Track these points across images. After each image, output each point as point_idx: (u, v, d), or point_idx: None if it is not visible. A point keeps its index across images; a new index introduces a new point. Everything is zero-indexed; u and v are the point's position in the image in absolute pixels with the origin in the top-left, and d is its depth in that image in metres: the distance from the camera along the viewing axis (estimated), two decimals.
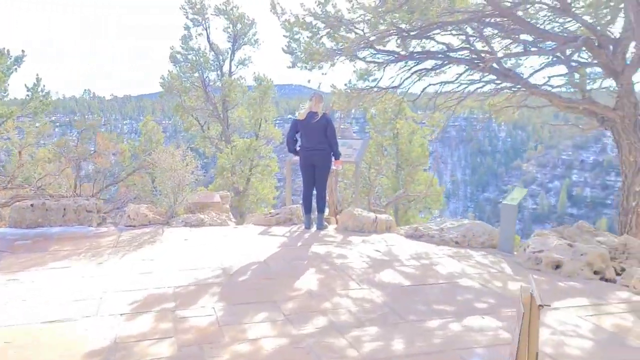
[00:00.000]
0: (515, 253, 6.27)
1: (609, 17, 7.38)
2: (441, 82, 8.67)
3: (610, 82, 8.69)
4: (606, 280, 5.26)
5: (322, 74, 9.54)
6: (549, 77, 9.11)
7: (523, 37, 9.25)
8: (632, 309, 4.36)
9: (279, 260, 5.97)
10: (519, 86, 9.19)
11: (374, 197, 14.33)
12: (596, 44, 7.19)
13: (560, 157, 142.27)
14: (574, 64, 8.61)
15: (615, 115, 7.76)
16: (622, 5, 7.05)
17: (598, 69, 8.87)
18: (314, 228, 7.61)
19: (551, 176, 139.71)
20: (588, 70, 9.11)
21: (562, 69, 9.41)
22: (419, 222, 17.28)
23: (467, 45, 9.15)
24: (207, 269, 5.59)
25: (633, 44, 7.24)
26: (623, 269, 5.58)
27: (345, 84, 10.30)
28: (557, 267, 5.38)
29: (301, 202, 7.74)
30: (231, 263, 5.78)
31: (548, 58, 9.09)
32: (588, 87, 8.84)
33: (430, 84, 8.78)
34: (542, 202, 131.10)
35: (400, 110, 15.99)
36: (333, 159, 7.59)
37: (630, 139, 7.14)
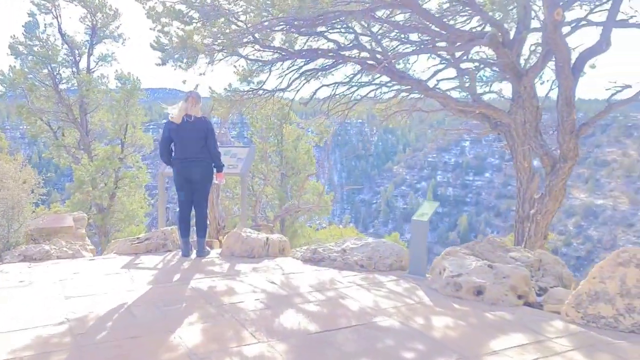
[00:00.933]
0: (428, 276, 5.57)
1: (515, 16, 7.08)
2: (335, 83, 7.83)
3: (500, 86, 8.52)
4: (530, 304, 4.72)
5: (200, 74, 8.27)
6: (438, 81, 8.75)
7: (413, 37, 8.78)
8: (575, 344, 3.78)
9: (148, 305, 4.63)
10: (408, 87, 8.69)
11: (260, 210, 13.23)
12: (501, 42, 6.82)
13: (426, 159, 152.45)
14: (465, 66, 8.30)
15: (510, 120, 7.52)
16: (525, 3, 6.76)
17: (488, 73, 8.69)
18: (193, 255, 6.34)
19: (419, 177, 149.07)
20: (480, 74, 8.91)
21: (452, 72, 9.14)
22: (307, 234, 16.52)
23: (358, 43, 8.46)
24: (48, 325, 4.08)
25: (530, 44, 7.02)
26: (541, 288, 5.13)
27: (226, 88, 9.13)
28: (479, 292, 4.73)
29: (177, 223, 6.39)
30: (82, 314, 4.33)
31: (434, 58, 8.70)
32: (480, 91, 8.61)
33: (323, 85, 7.89)
34: (411, 201, 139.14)
35: (285, 115, 15.09)
36: (215, 171, 6.37)
37: (531, 144, 6.88)
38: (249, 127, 17.94)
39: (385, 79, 9.31)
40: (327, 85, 8.35)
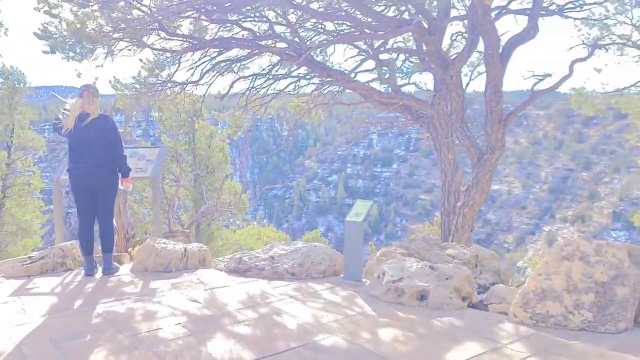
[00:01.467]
0: (365, 281, 5.21)
1: (434, 3, 6.88)
2: (253, 75, 7.24)
3: (420, 78, 8.35)
4: (474, 305, 4.50)
5: (97, 66, 7.32)
6: (355, 73, 8.45)
7: (329, 26, 8.41)
8: (530, 349, 3.56)
9: (43, 341, 3.84)
10: (329, 79, 8.31)
11: (174, 214, 12.28)
12: (427, 29, 6.59)
13: (336, 152, 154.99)
14: (385, 57, 8.06)
15: (433, 112, 7.37)
16: None
17: (408, 64, 8.51)
18: (99, 273, 5.52)
19: (330, 170, 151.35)
20: (400, 65, 8.72)
21: (370, 64, 8.88)
22: (225, 236, 15.70)
23: (274, 33, 7.93)
24: None
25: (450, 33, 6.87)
26: (480, 286, 4.96)
27: (134, 77, 8.20)
28: (423, 297, 4.43)
29: (78, 238, 5.53)
30: None
31: (352, 49, 8.39)
32: (399, 83, 8.41)
33: (240, 77, 7.27)
34: (323, 194, 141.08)
35: (197, 110, 14.14)
36: (120, 176, 5.58)
37: (457, 135, 6.74)
38: (157, 125, 16.68)
39: (303, 71, 8.88)
40: (245, 78, 7.73)
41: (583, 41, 7.13)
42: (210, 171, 15.34)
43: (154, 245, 5.66)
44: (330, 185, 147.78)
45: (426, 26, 6.61)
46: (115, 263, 5.65)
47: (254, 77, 7.68)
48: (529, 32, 5.98)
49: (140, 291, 4.99)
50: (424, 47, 6.73)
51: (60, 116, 5.34)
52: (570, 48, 6.98)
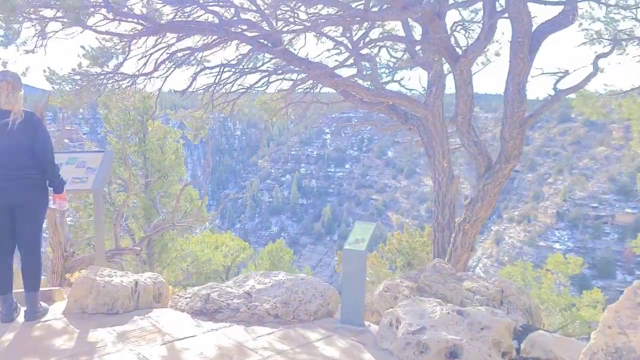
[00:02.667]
0: (368, 324, 4.17)
1: None
2: (220, 66, 6.06)
3: (404, 74, 7.45)
4: None
5: (27, 51, 5.94)
6: (332, 69, 7.40)
7: (301, 16, 7.33)
8: None
9: None
10: (304, 74, 7.23)
11: (121, 228, 10.82)
12: (437, 14, 5.60)
13: (290, 152, 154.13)
14: (367, 51, 7.05)
15: (427, 113, 6.42)
16: None
17: (393, 59, 7.55)
18: (20, 318, 4.22)
19: (283, 170, 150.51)
20: (385, 59, 7.74)
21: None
22: (179, 246, 14.27)
23: (244, 19, 6.77)
24: None
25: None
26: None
27: (73, 70, 6.80)
28: (453, 355, 3.43)
29: None
30: None
31: (324, 42, 7.33)
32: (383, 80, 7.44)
33: (205, 68, 6.07)
34: (277, 194, 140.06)
35: (148, 107, 12.68)
36: (50, 190, 4.30)
37: (464, 141, 5.79)
38: (104, 124, 15.03)
39: (272, 64, 7.76)
40: (210, 69, 6.53)
41: (594, 37, 6.38)
42: (162, 176, 13.89)
43: (95, 279, 4.41)
44: (283, 185, 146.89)
45: (437, 10, 5.63)
46: (42, 304, 4.35)
47: (221, 68, 6.49)
48: (567, 17, 5.07)
49: (75, 346, 3.75)
50: (420, 36, 5.80)
51: None
52: (582, 44, 6.27)
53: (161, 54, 6.49)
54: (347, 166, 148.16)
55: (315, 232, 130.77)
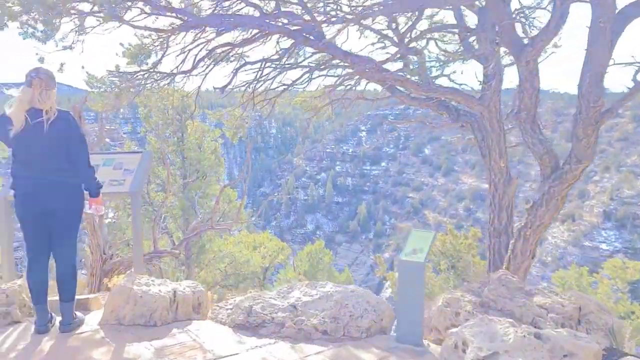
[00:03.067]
0: (427, 344, 3.76)
1: None
2: (261, 61, 5.73)
3: (455, 68, 6.97)
4: None
5: (65, 47, 5.76)
6: (381, 63, 6.95)
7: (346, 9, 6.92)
8: None
9: None
10: (350, 69, 6.83)
11: (160, 229, 10.67)
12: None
13: (325, 150, 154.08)
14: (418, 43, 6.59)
15: (482, 109, 5.93)
16: None
17: (440, 53, 7.07)
18: (55, 329, 4.00)
19: (318, 168, 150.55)
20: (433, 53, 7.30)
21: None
22: (217, 247, 14.12)
23: (285, 11, 6.42)
24: None
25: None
26: None
27: (109, 71, 6.61)
28: None
29: (28, 282, 3.99)
30: None
31: (366, 37, 6.94)
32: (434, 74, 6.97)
33: (246, 63, 5.76)
34: (312, 193, 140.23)
35: (186, 106, 12.54)
36: (86, 194, 4.06)
37: (528, 140, 5.28)
38: (144, 124, 14.97)
39: (314, 59, 7.39)
40: (251, 64, 6.22)
41: None
42: (201, 176, 13.73)
43: (133, 288, 4.15)
44: (318, 183, 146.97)
45: None
46: (78, 314, 4.12)
47: (262, 64, 6.16)
48: None
49: None
50: (479, 23, 5.30)
51: (7, 109, 3.80)
52: None
53: (200, 50, 6.22)
54: (383, 164, 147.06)
55: (350, 230, 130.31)
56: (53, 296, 4.19)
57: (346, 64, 6.38)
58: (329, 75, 7.70)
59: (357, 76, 6.78)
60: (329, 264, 16.86)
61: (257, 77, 6.22)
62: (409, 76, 6.18)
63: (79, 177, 3.90)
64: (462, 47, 6.56)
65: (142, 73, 6.16)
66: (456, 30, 6.56)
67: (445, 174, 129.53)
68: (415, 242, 3.80)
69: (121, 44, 6.44)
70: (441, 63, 6.67)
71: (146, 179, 5.20)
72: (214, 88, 6.23)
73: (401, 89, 6.50)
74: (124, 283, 4.22)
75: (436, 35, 7.17)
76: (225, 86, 6.29)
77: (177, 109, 12.94)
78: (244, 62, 6.21)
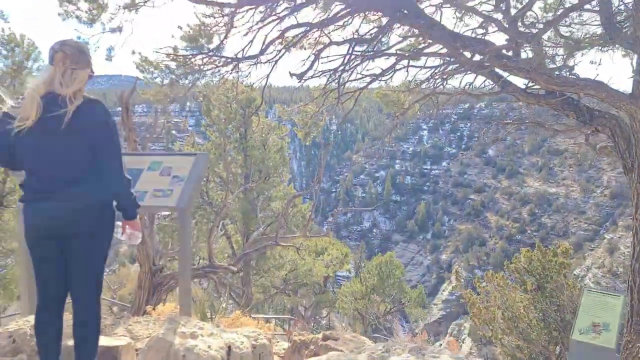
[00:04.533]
0: None
1: None
2: (350, 41, 4.54)
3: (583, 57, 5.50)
4: None
5: (113, 29, 4.80)
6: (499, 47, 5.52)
7: None
8: None
9: None
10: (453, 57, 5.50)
11: (217, 235, 9.72)
12: None
13: (385, 148, 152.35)
14: None
15: (633, 109, 4.44)
16: None
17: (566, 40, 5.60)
18: None
19: (377, 166, 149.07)
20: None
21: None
22: (277, 254, 13.12)
23: None
24: None
25: None
26: None
27: (166, 53, 5.61)
28: None
29: (35, 332, 2.94)
30: None
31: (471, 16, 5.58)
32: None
33: (331, 43, 4.59)
34: (370, 190, 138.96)
35: (251, 99, 11.54)
36: (118, 214, 2.99)
37: None
38: (206, 118, 14.05)
39: (403, 47, 6.10)
40: (337, 44, 5.03)
41: None
42: (264, 176, 12.71)
43: (173, 344, 3.06)
44: (377, 180, 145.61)
45: None
46: None
47: (351, 45, 4.93)
48: None
49: None
50: None
51: (11, 102, 2.80)
52: None
53: (270, 30, 5.12)
54: (443, 164, 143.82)
55: (408, 229, 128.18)
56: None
57: (451, 50, 5.06)
58: (414, 66, 6.42)
59: (455, 66, 5.47)
60: (399, 279, 15.47)
61: (345, 62, 5.00)
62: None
63: (107, 190, 2.84)
64: (602, 31, 5.09)
65: (201, 57, 5.14)
66: (594, 7, 5.10)
67: (510, 176, 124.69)
68: (594, 311, 2.47)
69: (179, 27, 5.45)
70: (570, 51, 5.22)
71: (199, 188, 4.08)
72: (290, 74, 5.09)
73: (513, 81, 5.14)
74: (163, 334, 3.15)
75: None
76: (304, 73, 5.12)
77: (241, 102, 11.93)
78: (329, 41, 5.01)
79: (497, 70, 5.59)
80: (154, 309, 4.88)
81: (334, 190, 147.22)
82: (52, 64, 2.76)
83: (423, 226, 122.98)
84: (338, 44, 5.01)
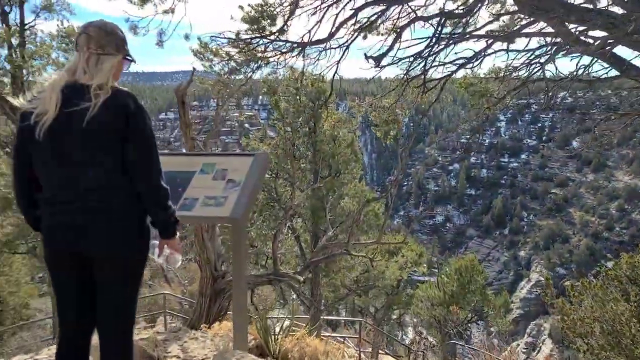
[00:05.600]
0: None
1: None
2: (440, 14, 3.76)
3: None
4: None
5: (165, 11, 4.31)
6: None
7: None
8: None
9: None
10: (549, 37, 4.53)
11: (283, 236, 9.18)
12: None
13: (459, 140, 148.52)
14: None
15: None
16: None
17: None
18: None
19: (451, 159, 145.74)
20: None
21: None
22: (346, 257, 12.47)
23: None
24: None
25: None
26: None
27: (228, 38, 5.05)
28: None
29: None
30: None
31: None
32: None
33: (417, 19, 3.83)
34: (443, 184, 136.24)
35: (321, 91, 10.89)
36: (152, 235, 2.42)
37: None
38: (275, 112, 13.49)
39: (498, 26, 5.20)
40: (424, 19, 4.26)
41: None
42: (334, 172, 12.04)
43: None
44: (451, 174, 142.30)
45: None
46: None
47: (441, 20, 4.14)
48: None
49: None
50: None
51: (27, 95, 2.32)
52: None
53: (341, 10, 4.40)
54: (522, 156, 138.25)
55: (483, 224, 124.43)
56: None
57: (548, 32, 4.12)
58: (507, 50, 5.48)
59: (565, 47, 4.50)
60: (482, 285, 14.21)
61: (432, 43, 4.19)
62: None
63: (137, 202, 2.28)
64: None
65: (264, 43, 4.54)
66: None
67: (596, 170, 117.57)
68: None
69: (240, 7, 4.87)
70: None
71: (256, 195, 3.45)
72: (366, 56, 4.35)
73: None
74: None
75: None
76: (383, 55, 4.36)
77: (310, 94, 11.29)
78: (414, 16, 4.22)
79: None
80: (209, 327, 4.39)
81: (405, 183, 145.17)
82: (78, 48, 2.25)
83: (500, 221, 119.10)
84: (425, 19, 4.18)
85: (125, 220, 2.24)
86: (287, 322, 4.39)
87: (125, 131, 2.18)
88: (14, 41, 9.33)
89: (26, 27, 10.00)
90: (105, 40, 2.25)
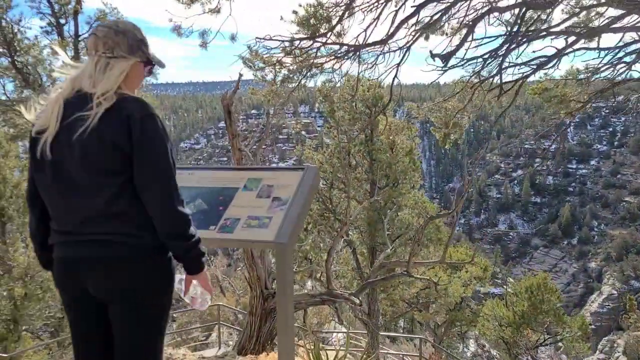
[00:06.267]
0: None
1: None
2: (519, 5, 3.24)
3: None
4: None
5: (211, 10, 4.03)
6: None
7: None
8: None
9: None
10: None
11: (337, 252, 8.73)
12: None
13: (523, 146, 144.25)
14: None
15: None
16: None
17: None
18: None
19: (514, 165, 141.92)
20: None
21: None
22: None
23: None
24: None
25: None
26: None
27: (280, 43, 4.72)
28: None
29: None
30: None
31: None
32: None
33: (492, 10, 3.32)
34: (506, 191, 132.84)
35: (378, 96, 10.42)
36: (175, 272, 2.05)
37: None
38: (330, 120, 13.10)
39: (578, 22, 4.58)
40: (500, 10, 3.74)
41: None
42: (392, 182, 11.49)
43: None
44: (514, 181, 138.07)
45: None
46: None
47: (520, 11, 3.60)
48: None
49: None
50: None
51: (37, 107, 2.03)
52: None
53: (400, 6, 3.94)
54: (592, 162, 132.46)
55: (550, 234, 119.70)
56: None
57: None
58: (590, 49, 4.80)
59: None
60: (556, 305, 13.11)
61: (509, 39, 3.65)
62: None
63: (151, 231, 1.90)
64: None
65: (317, 47, 4.17)
66: None
67: None
68: None
69: (294, 12, 4.52)
70: None
71: (305, 215, 3.02)
72: (432, 55, 3.87)
73: None
74: None
75: None
76: (452, 53, 3.87)
77: (367, 101, 10.82)
78: (489, 5, 3.70)
79: None
80: (257, 353, 4.03)
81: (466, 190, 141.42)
82: (94, 46, 1.93)
83: (567, 230, 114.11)
84: (502, 10, 3.63)
85: (134, 252, 1.88)
86: (342, 352, 3.97)
87: (129, 145, 1.83)
88: (69, 53, 9.53)
89: (80, 38, 10.25)
90: (113, 41, 1.90)
